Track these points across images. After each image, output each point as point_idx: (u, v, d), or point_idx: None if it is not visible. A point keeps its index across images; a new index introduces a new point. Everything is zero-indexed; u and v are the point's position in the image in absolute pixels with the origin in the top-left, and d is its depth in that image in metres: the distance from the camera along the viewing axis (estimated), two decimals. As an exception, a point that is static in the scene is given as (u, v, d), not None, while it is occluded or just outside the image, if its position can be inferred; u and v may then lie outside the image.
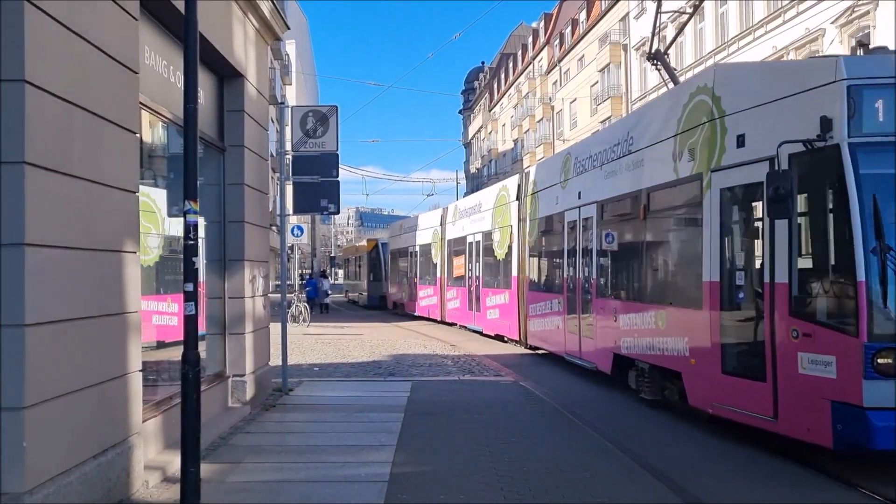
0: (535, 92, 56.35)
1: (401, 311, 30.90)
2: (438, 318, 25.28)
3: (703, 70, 9.99)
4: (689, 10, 16.31)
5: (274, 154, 20.11)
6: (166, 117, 6.94)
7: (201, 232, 7.97)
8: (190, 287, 4.93)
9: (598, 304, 11.87)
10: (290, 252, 33.95)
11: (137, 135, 5.79)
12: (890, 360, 6.02)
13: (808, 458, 7.05)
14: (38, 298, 4.33)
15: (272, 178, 23.87)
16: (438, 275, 25.05)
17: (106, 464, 5.13)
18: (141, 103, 6.05)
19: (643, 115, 11.32)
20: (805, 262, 7.05)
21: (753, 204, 7.80)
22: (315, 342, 18.97)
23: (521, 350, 17.21)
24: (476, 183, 75.51)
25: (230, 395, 8.78)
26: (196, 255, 4.96)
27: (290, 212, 11.17)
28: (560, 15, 54.51)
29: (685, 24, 15.40)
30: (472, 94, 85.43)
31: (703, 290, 8.23)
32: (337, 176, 10.64)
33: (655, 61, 12.70)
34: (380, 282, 36.13)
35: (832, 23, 22.25)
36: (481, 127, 76.46)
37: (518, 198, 17.09)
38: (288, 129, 10.81)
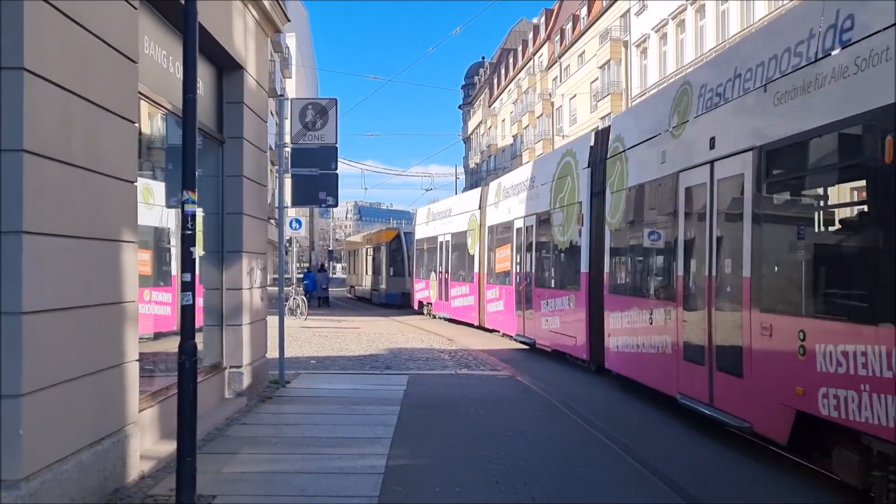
0: (535, 88, 56.31)
1: (429, 312, 26.84)
2: (476, 323, 21.03)
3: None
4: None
5: (273, 146, 20.11)
6: (165, 108, 6.94)
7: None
8: (188, 277, 4.93)
9: (767, 323, 6.78)
10: (288, 245, 33.95)
11: (136, 125, 5.79)
12: None
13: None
14: (35, 286, 4.34)
15: (271, 170, 23.85)
16: (476, 270, 20.87)
17: (102, 452, 5.14)
18: (140, 93, 6.05)
19: None
20: None
21: None
22: (312, 335, 18.99)
23: (517, 345, 17.22)
24: (475, 178, 75.56)
25: (227, 387, 8.79)
26: (194, 244, 4.95)
27: (289, 204, 11.16)
28: (561, 11, 54.43)
29: None
30: (471, 89, 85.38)
31: None
32: (336, 169, 10.64)
33: None
34: (401, 277, 32.32)
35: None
36: (481, 122, 76.40)
37: (591, 164, 12.77)
38: (287, 122, 10.79)
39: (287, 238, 31.02)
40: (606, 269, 11.84)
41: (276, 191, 11.35)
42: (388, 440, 7.23)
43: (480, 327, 20.67)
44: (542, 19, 58.24)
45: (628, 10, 39.43)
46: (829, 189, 6.53)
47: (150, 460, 5.97)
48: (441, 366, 13.24)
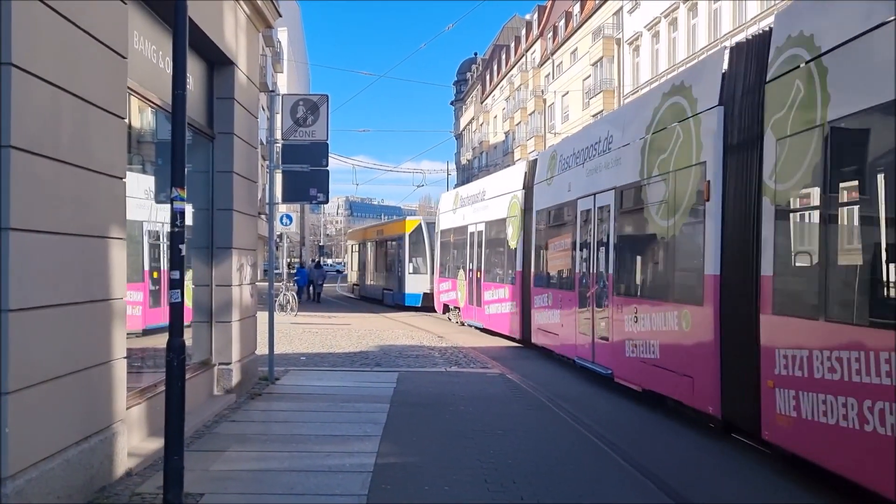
0: (528, 84, 56.31)
1: (457, 320, 22.37)
2: (517, 337, 16.48)
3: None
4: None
5: (264, 142, 20.02)
6: (155, 103, 6.90)
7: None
8: (176, 275, 4.91)
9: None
10: (278, 241, 33.88)
11: (125, 120, 5.75)
12: None
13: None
14: (22, 284, 4.30)
15: (261, 166, 23.75)
16: (518, 268, 16.29)
17: (89, 450, 5.11)
18: (129, 88, 6.01)
19: None
20: None
21: None
22: (303, 332, 18.95)
23: (509, 342, 17.23)
24: (467, 174, 75.52)
25: (216, 384, 8.77)
26: (182, 242, 4.92)
27: (279, 201, 11.13)
28: (554, 8, 54.43)
29: None
30: (464, 86, 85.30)
31: None
32: (326, 165, 10.62)
33: None
34: (423, 275, 28.06)
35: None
36: (473, 118, 76.36)
37: (723, 100, 8.07)
38: (278, 118, 10.76)
39: (278, 234, 31.05)
40: (769, 270, 6.83)
41: (267, 187, 11.31)
42: (377, 438, 7.23)
43: (524, 342, 16.14)
44: (535, 16, 58.22)
45: (621, 8, 39.47)
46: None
47: (138, 458, 5.94)
48: (431, 363, 13.24)
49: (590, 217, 11.97)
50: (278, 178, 10.88)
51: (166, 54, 6.96)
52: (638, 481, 6.26)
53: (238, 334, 9.06)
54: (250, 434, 7.40)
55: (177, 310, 4.93)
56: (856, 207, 6.12)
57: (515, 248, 16.54)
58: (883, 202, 5.45)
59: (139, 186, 7.29)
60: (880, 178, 5.51)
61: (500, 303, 17.68)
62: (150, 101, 6.79)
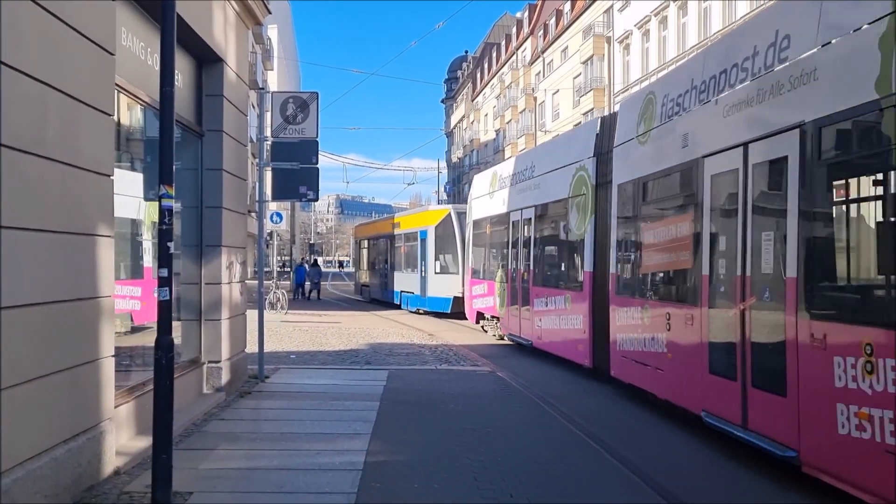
0: (518, 82, 56.38)
1: (494, 332, 17.86)
2: (587, 363, 11.79)
3: None
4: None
5: (253, 139, 19.94)
6: (143, 100, 6.86)
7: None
8: (164, 272, 4.88)
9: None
10: (268, 239, 33.79)
11: (113, 117, 5.71)
12: None
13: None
14: (10, 281, 4.27)
15: (251, 163, 23.68)
16: (588, 268, 11.78)
17: (77, 449, 5.08)
18: (118, 85, 5.98)
19: None
20: None
21: None
22: (293, 330, 18.91)
23: (498, 340, 17.25)
24: (458, 172, 75.58)
25: (205, 382, 8.74)
26: (171, 239, 4.90)
27: (269, 198, 11.10)
28: (544, 6, 54.50)
29: None
30: (454, 84, 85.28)
31: None
32: (316, 163, 10.59)
33: None
34: (452, 275, 23.34)
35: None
36: (464, 116, 76.37)
37: None
38: (268, 115, 10.73)
39: (268, 232, 31.00)
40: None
41: (257, 184, 11.28)
42: (367, 436, 7.22)
43: (596, 372, 11.55)
44: (526, 14, 58.30)
45: (611, 7, 39.54)
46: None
47: (126, 456, 5.92)
48: (421, 361, 13.23)
49: (725, 184, 7.51)
50: (268, 175, 10.85)
51: (155, 51, 6.93)
52: (627, 478, 6.27)
53: (227, 332, 9.04)
54: (240, 432, 7.37)
55: (165, 307, 4.91)
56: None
57: (582, 241, 11.95)
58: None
59: (140, 184, 7.28)
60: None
61: (557, 315, 12.91)
62: (138, 98, 6.76)
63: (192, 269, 8.62)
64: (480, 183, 18.94)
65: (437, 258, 24.30)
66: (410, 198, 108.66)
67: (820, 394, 5.71)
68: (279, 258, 49.72)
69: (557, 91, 47.75)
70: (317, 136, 10.55)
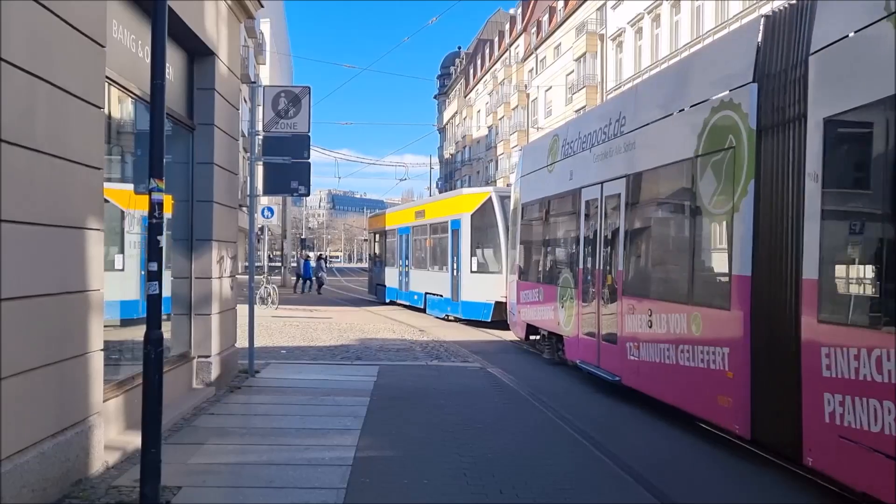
0: (511, 79, 56.38)
1: (553, 354, 13.02)
2: (737, 428, 6.95)
3: None
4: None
5: (245, 134, 19.85)
6: (134, 93, 6.82)
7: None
8: (154, 266, 4.86)
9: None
10: (259, 233, 33.73)
11: (103, 110, 5.68)
12: None
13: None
14: (-4, 274, 4.25)
15: (242, 157, 23.57)
16: (743, 269, 6.89)
17: (64, 443, 5.06)
18: (108, 78, 5.94)
19: None
20: None
21: None
22: (283, 325, 18.88)
23: (489, 335, 17.25)
24: (450, 169, 75.54)
25: (195, 377, 8.72)
26: (161, 233, 4.88)
27: (260, 193, 11.07)
28: (537, 2, 54.48)
29: None
30: (447, 79, 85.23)
31: None
32: (308, 158, 10.57)
33: None
34: (488, 274, 19.44)
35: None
36: (456, 112, 76.35)
37: None
38: (260, 109, 10.70)
39: (259, 227, 30.93)
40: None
41: (248, 179, 11.25)
42: (357, 431, 7.22)
43: (760, 446, 7.03)
44: (519, 10, 58.30)
45: (604, 4, 39.56)
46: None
47: (115, 451, 5.90)
48: (412, 357, 13.23)
49: None
50: (259, 170, 10.82)
51: (146, 44, 6.89)
52: (615, 474, 6.29)
53: (218, 327, 9.01)
54: (229, 427, 7.36)
55: (154, 302, 4.88)
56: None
57: (727, 224, 7.34)
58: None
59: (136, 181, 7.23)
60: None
61: (673, 342, 8.26)
62: (129, 91, 6.72)
63: (183, 263, 8.59)
64: (533, 154, 14.15)
65: (473, 253, 20.11)
66: (402, 193, 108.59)
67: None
68: (271, 253, 49.81)
69: (550, 88, 47.78)
70: (308, 131, 10.53)
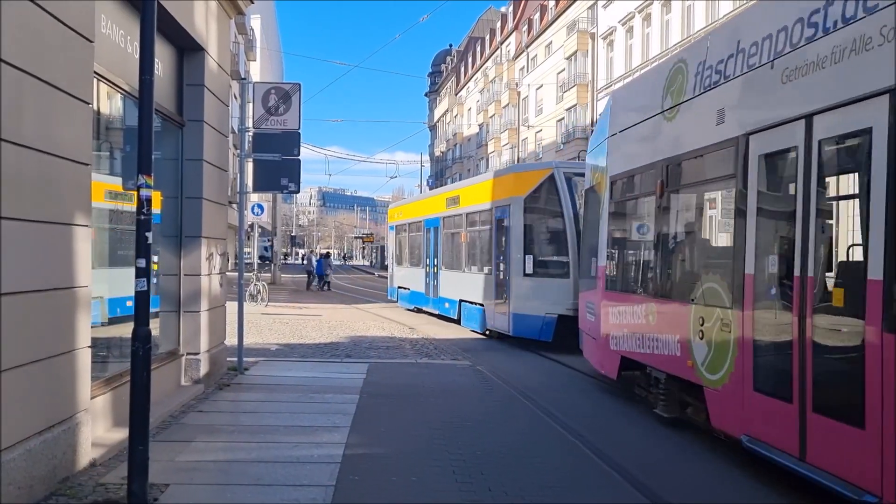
0: (502, 77, 56.40)
1: (666, 409, 8.19)
2: None
3: None
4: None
5: (235, 130, 19.77)
6: (123, 89, 6.78)
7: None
8: (142, 263, 4.84)
9: None
10: (249, 230, 33.63)
11: (91, 105, 5.65)
12: None
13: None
14: (-18, 271, 4.22)
15: (232, 154, 23.51)
16: None
17: (52, 440, 5.03)
18: (97, 73, 5.91)
19: None
20: None
21: None
22: (273, 322, 18.83)
23: (478, 334, 17.26)
24: (441, 166, 75.53)
25: (183, 374, 8.68)
26: (149, 230, 4.86)
27: (250, 189, 11.04)
28: (529, 1, 54.51)
29: None
30: (438, 77, 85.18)
31: None
32: (298, 155, 10.54)
33: None
34: (549, 279, 14.63)
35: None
36: (447, 110, 76.32)
37: None
38: (250, 106, 10.66)
39: (249, 223, 30.84)
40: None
41: (238, 176, 11.21)
42: (346, 429, 7.21)
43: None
44: (510, 8, 58.33)
45: (595, 2, 39.63)
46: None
47: (102, 448, 5.87)
48: (401, 355, 13.23)
49: None
50: (249, 166, 10.79)
51: (135, 39, 6.85)
52: (604, 471, 6.30)
53: (207, 324, 8.98)
54: (218, 425, 7.34)
55: (142, 298, 4.86)
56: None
57: None
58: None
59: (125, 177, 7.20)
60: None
61: None
62: (118, 86, 6.68)
63: (172, 260, 8.55)
64: (634, 100, 9.50)
65: (528, 250, 15.04)
66: (393, 191, 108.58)
67: None
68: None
69: (541, 86, 47.82)
70: (299, 128, 10.50)
